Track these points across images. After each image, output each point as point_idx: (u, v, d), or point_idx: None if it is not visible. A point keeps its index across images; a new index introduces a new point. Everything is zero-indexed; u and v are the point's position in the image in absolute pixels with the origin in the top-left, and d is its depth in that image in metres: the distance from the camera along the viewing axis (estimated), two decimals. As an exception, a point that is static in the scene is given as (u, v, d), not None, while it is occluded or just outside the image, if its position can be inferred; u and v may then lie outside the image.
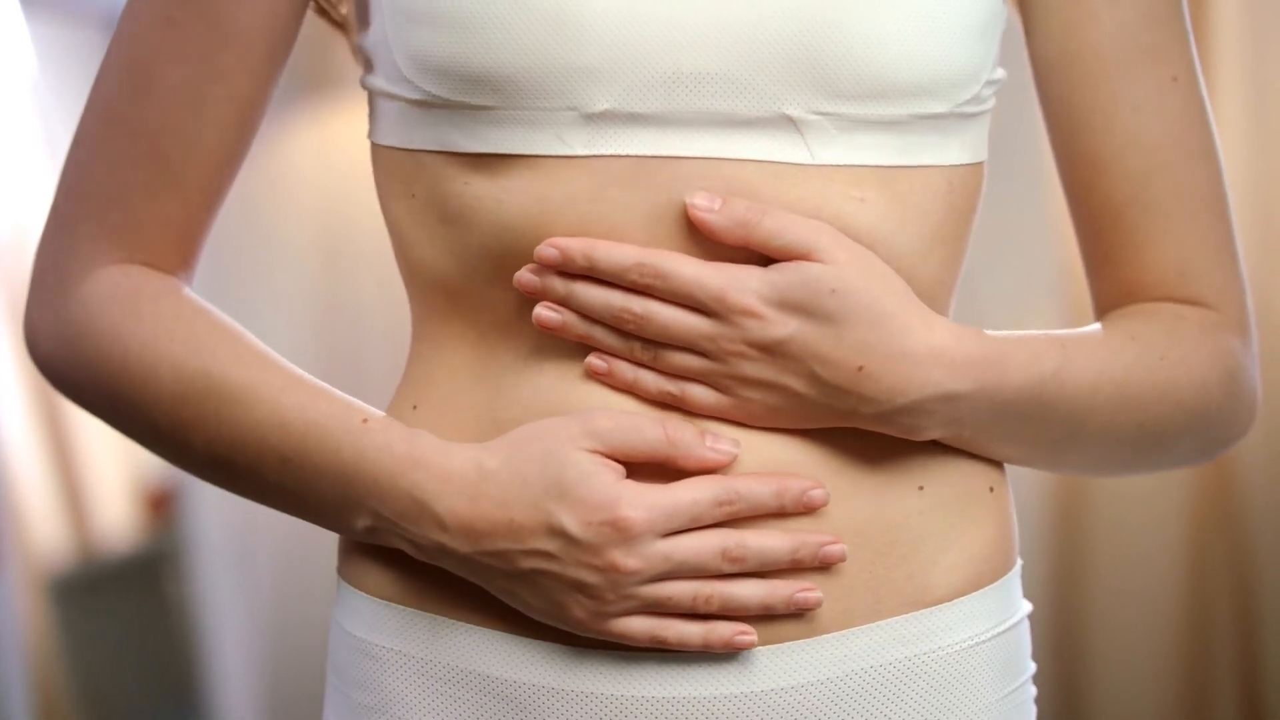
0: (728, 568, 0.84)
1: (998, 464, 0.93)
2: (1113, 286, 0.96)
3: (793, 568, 0.85)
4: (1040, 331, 0.90)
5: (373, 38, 0.89)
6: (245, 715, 2.96)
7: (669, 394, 0.85)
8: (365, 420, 0.87)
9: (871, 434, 0.87)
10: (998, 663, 0.91)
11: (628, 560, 0.82)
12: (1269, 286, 2.34)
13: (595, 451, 0.83)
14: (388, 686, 0.90)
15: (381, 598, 0.91)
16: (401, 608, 0.90)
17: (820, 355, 0.82)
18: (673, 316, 0.83)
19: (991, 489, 0.92)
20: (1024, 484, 2.34)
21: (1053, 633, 2.50)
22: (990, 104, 0.90)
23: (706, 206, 0.82)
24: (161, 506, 3.57)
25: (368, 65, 0.91)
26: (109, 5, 3.37)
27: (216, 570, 2.91)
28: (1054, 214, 2.47)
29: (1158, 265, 0.94)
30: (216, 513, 2.87)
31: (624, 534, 0.82)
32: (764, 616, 0.86)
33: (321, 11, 0.97)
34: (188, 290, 0.93)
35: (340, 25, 0.98)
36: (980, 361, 0.85)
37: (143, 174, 0.91)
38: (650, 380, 0.85)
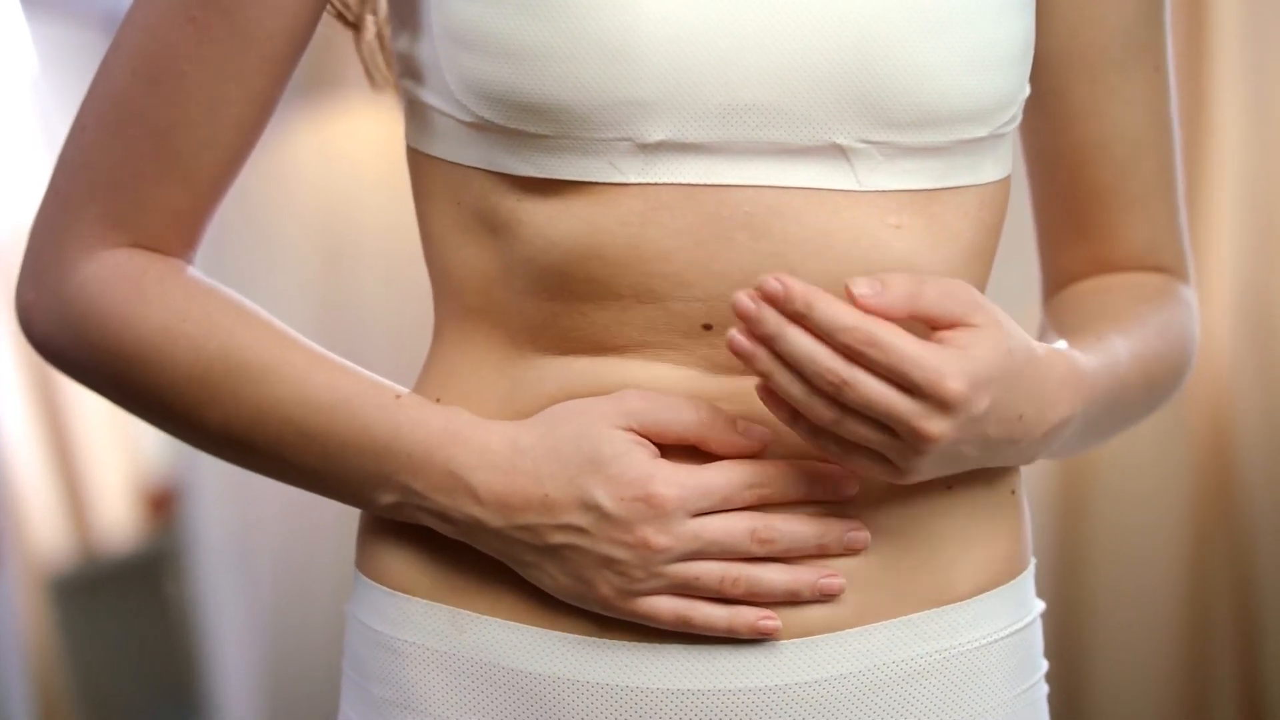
0: (756, 549, 0.84)
1: (1018, 468, 0.94)
2: (1081, 259, 1.01)
3: (819, 554, 0.86)
4: (1110, 337, 0.93)
5: (424, 52, 0.89)
6: (245, 715, 2.96)
7: (835, 456, 0.83)
8: (398, 397, 0.88)
9: None
10: (1013, 660, 0.92)
11: (658, 537, 0.83)
12: (1269, 286, 2.34)
13: (629, 430, 0.84)
14: (409, 680, 0.90)
15: (402, 591, 0.91)
16: (422, 601, 0.90)
17: (998, 416, 0.82)
18: (878, 392, 0.79)
19: (1013, 491, 0.93)
20: (1024, 484, 2.32)
21: (1054, 632, 2.49)
22: (1021, 117, 0.91)
23: (871, 293, 0.80)
24: (161, 506, 3.57)
25: (414, 74, 0.91)
26: (109, 5, 3.37)
27: (216, 570, 2.91)
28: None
29: (1132, 241, 1.00)
30: (217, 513, 2.87)
31: (656, 510, 0.83)
32: (789, 607, 0.86)
33: (339, 15, 0.97)
34: (192, 269, 0.93)
35: (354, 26, 0.98)
36: (1087, 379, 0.88)
37: (153, 166, 0.91)
38: (817, 440, 0.83)
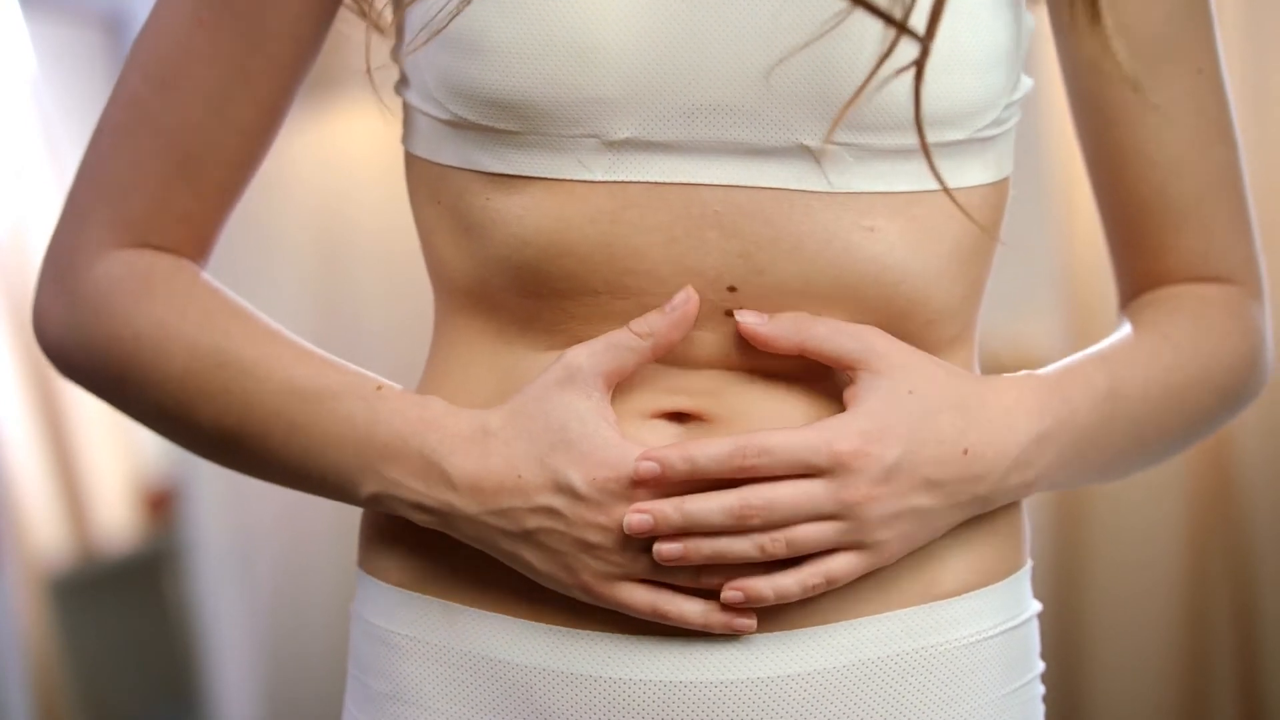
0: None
1: None
2: (1139, 274, 0.99)
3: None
4: (1080, 354, 0.93)
5: (406, 53, 0.90)
6: (244, 715, 2.96)
7: (817, 587, 0.84)
8: (379, 388, 0.89)
9: None
10: (1005, 659, 0.92)
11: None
12: (1268, 287, 2.34)
13: (588, 393, 0.84)
14: (404, 674, 0.91)
15: (399, 585, 0.92)
16: (418, 595, 0.91)
17: (929, 458, 0.83)
18: (794, 491, 0.82)
19: None
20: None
21: (1052, 633, 2.49)
22: (1013, 120, 0.91)
23: (756, 321, 0.84)
24: (161, 506, 3.57)
25: (402, 77, 0.93)
26: (109, 5, 3.37)
27: (216, 570, 2.91)
28: (1055, 215, 2.46)
29: (1184, 252, 0.97)
30: (216, 513, 2.87)
31: (630, 490, 0.83)
32: (771, 606, 0.86)
33: (363, 15, 0.97)
34: (202, 273, 0.95)
35: (381, 29, 0.99)
36: (1047, 397, 0.88)
37: (161, 167, 0.93)
38: (791, 583, 0.84)
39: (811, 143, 0.84)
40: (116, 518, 3.51)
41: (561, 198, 0.85)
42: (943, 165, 0.86)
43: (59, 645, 3.25)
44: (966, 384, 0.86)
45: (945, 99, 0.84)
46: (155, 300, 0.92)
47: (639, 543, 0.84)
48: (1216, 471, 2.42)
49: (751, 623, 0.85)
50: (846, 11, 0.82)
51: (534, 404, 0.85)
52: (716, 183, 0.84)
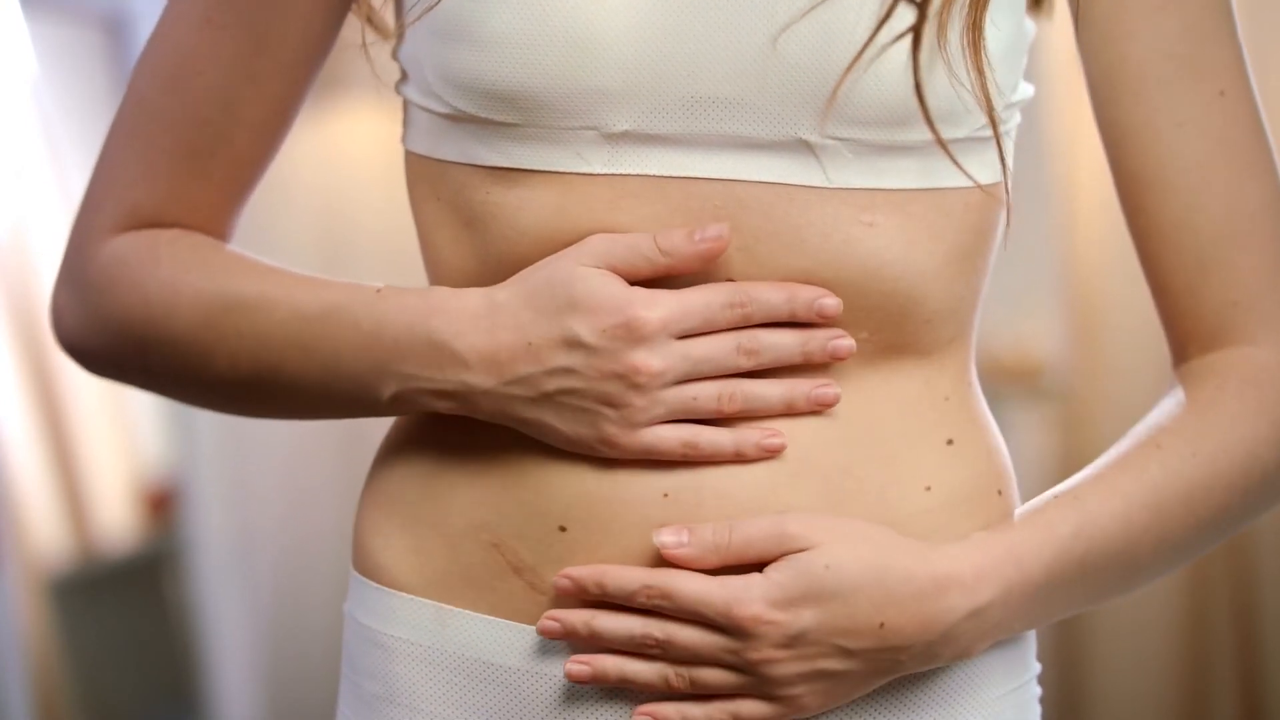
0: (744, 361, 0.84)
1: (1005, 468, 0.93)
2: (1179, 333, 0.94)
3: (804, 362, 0.86)
4: (1058, 489, 0.90)
5: (406, 50, 0.91)
6: (244, 715, 2.96)
7: (731, 716, 0.84)
8: (379, 290, 0.89)
9: (879, 433, 0.88)
10: (1002, 659, 0.91)
11: (649, 360, 0.83)
12: None
13: (593, 262, 0.84)
14: (396, 675, 0.91)
15: (392, 587, 0.92)
16: (410, 597, 0.91)
17: (840, 629, 0.82)
18: (692, 637, 0.83)
19: (1000, 492, 0.92)
20: (1021, 486, 2.33)
21: (1053, 633, 2.50)
22: (1012, 123, 0.90)
23: (675, 543, 0.83)
24: (161, 506, 3.57)
25: (402, 74, 0.93)
26: (109, 5, 3.38)
27: (216, 570, 2.92)
28: (1055, 215, 2.47)
29: (1212, 295, 0.92)
30: (216, 513, 2.87)
31: (639, 333, 0.83)
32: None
33: (369, 21, 0.97)
34: (204, 236, 0.95)
35: (384, 34, 0.99)
36: (994, 565, 0.85)
37: (170, 161, 0.94)
38: (699, 716, 0.84)
39: (810, 137, 0.84)
40: (116, 518, 3.52)
41: (559, 189, 0.85)
42: (941, 164, 0.86)
43: (59, 645, 3.25)
44: (892, 554, 0.84)
45: (941, 95, 0.84)
46: (160, 264, 0.92)
47: (656, 384, 0.84)
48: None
49: (782, 441, 0.85)
50: None
51: (539, 272, 0.85)
52: (715, 176, 0.84)
